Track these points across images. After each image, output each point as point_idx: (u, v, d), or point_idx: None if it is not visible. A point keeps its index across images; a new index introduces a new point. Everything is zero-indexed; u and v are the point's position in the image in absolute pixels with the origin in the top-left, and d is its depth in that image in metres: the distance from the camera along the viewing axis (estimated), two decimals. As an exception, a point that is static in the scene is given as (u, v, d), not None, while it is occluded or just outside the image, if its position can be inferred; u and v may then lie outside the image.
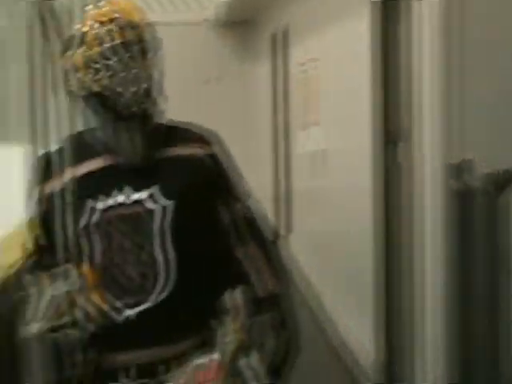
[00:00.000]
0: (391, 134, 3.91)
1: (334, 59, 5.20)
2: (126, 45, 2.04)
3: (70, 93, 2.11)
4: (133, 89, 2.02)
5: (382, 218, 4.04)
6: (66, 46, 2.09)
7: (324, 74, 5.52)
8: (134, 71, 2.03)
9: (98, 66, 2.03)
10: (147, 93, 2.06)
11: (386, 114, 3.96)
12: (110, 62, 2.03)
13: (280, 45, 7.86)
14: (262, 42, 9.37)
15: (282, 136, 7.67)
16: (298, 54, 6.59)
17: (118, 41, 2.03)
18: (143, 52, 2.06)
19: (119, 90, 2.02)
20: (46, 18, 2.09)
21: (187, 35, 10.46)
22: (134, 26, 2.05)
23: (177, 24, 10.24)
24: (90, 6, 2.14)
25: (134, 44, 2.04)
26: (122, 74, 2.03)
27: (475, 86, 3.22)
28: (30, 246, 2.19)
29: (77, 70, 2.06)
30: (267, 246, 2.23)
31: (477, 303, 3.22)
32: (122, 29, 2.04)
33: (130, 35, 2.04)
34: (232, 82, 10.57)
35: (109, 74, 2.03)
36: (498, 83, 3.27)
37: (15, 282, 2.35)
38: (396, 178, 3.87)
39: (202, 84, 10.50)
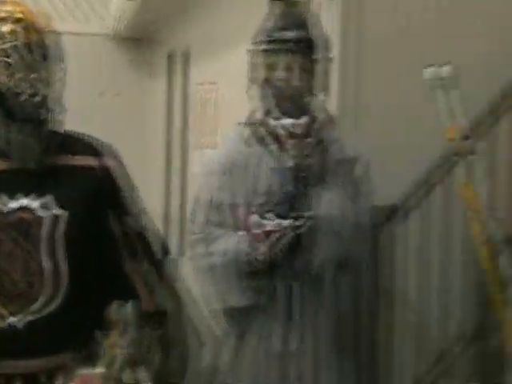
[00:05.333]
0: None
1: (232, 82, 5.21)
2: (28, 46, 2.02)
3: None
4: (30, 91, 2.00)
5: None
6: None
7: (223, 97, 5.52)
8: (33, 75, 2.02)
9: None
10: (45, 98, 2.05)
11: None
12: (11, 61, 2.00)
13: (178, 64, 7.83)
14: (159, 60, 9.30)
15: (176, 155, 7.59)
16: (197, 75, 6.58)
17: (20, 41, 2.02)
18: (45, 57, 2.05)
19: (17, 90, 2.00)
20: None
21: (85, 46, 10.30)
22: (37, 29, 2.05)
23: (75, 34, 10.06)
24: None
25: (36, 47, 2.03)
26: (22, 75, 2.01)
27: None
28: None
29: None
30: (158, 262, 2.22)
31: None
32: (25, 30, 2.03)
33: (33, 37, 2.03)
34: (128, 96, 10.46)
35: (8, 72, 2.00)
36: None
37: None
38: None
39: (98, 96, 10.35)
